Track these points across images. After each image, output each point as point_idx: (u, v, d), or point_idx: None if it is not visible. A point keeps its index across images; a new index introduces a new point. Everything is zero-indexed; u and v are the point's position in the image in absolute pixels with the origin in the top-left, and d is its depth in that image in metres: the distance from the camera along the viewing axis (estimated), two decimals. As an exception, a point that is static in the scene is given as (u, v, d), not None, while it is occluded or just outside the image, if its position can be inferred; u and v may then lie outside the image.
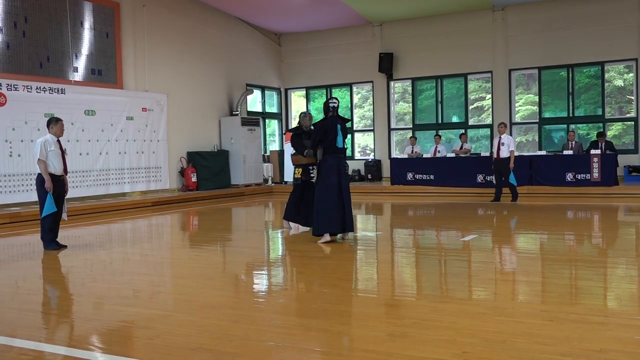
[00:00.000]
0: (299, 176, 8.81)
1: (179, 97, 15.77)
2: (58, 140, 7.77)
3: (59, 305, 5.28)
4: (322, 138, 7.66)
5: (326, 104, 7.82)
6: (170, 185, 15.42)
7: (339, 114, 7.94)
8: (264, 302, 5.08)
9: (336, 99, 7.97)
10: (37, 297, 5.51)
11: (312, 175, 8.76)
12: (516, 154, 14.63)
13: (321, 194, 7.68)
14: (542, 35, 16.42)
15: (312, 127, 8.89)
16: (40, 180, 7.61)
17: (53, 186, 7.58)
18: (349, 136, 19.52)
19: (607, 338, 3.72)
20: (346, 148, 8.02)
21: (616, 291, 5.14)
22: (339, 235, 7.84)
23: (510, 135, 16.83)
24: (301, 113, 9.15)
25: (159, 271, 6.65)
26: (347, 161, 18.80)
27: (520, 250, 7.51)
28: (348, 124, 19.72)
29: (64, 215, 7.91)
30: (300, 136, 8.85)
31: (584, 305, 4.60)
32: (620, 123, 16.61)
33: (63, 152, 7.82)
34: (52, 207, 7.57)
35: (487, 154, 14.56)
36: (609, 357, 3.39)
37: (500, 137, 12.93)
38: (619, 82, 16.70)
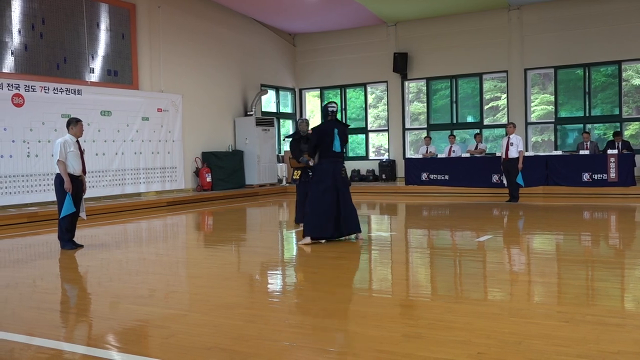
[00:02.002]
0: (298, 177, 9.31)
1: (194, 97, 15.86)
2: (77, 141, 7.84)
3: (76, 304, 5.33)
4: (317, 142, 7.67)
5: (325, 108, 7.87)
6: (185, 185, 15.51)
7: (338, 118, 8.04)
8: (279, 302, 5.09)
9: (335, 103, 8.01)
10: (54, 296, 5.57)
11: (311, 177, 9.15)
12: (532, 154, 14.54)
13: (313, 197, 7.72)
14: (558, 34, 16.29)
15: (309, 132, 9.29)
16: (59, 180, 7.67)
17: (72, 186, 7.65)
18: (362, 136, 19.55)
19: (624, 340, 3.69)
20: (344, 152, 8.03)
21: (633, 292, 5.09)
22: (353, 235, 7.85)
23: (526, 135, 16.76)
24: (298, 119, 9.77)
25: (174, 271, 6.69)
26: (359, 162, 18.66)
27: (535, 250, 7.46)
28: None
29: (83, 215, 7.99)
30: (298, 141, 9.27)
31: (600, 307, 4.56)
32: (637, 123, 16.43)
33: (82, 153, 7.88)
34: (71, 207, 7.63)
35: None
36: (626, 359, 3.36)
37: (509, 137, 12.82)
38: (637, 81, 16.52)
